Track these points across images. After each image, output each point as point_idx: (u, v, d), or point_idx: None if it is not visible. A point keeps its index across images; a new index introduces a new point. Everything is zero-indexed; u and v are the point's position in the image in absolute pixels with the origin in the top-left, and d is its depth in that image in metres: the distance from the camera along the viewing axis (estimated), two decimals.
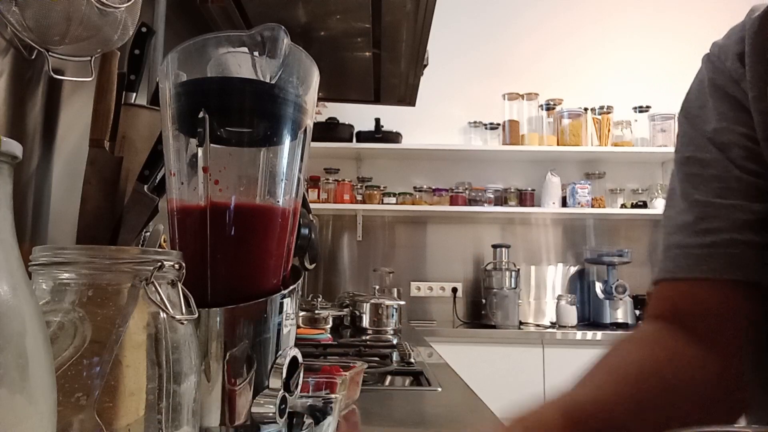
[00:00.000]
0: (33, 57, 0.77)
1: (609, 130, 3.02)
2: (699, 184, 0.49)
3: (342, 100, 2.22)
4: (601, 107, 3.05)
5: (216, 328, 0.47)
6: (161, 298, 0.36)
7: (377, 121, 3.03)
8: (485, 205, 3.02)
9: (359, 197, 3.06)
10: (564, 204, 3.02)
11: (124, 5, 0.74)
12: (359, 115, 3.00)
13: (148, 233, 0.81)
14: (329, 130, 2.98)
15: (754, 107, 0.47)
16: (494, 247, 2.98)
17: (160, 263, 0.36)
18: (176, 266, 0.38)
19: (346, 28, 1.57)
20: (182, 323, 0.37)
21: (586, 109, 3.03)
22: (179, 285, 0.38)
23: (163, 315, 0.37)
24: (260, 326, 0.49)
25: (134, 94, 0.84)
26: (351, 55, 1.74)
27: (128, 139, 0.81)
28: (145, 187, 0.73)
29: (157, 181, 0.76)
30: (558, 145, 3.01)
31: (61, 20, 0.71)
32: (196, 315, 0.38)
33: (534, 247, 3.17)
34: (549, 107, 3.07)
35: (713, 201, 0.48)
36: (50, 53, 0.74)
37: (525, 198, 3.06)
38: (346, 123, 3.04)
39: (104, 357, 0.37)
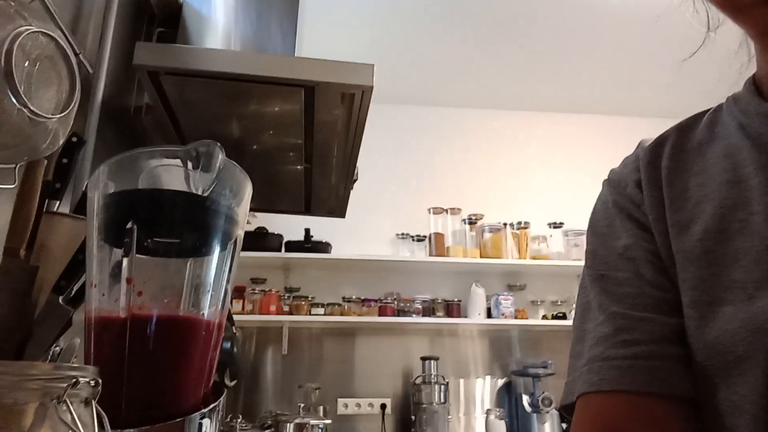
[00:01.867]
0: None
1: (527, 244, 3.19)
2: (614, 300, 0.49)
3: (273, 211, 2.24)
4: (519, 222, 3.23)
5: None
6: (73, 419, 0.34)
7: (307, 231, 3.05)
8: (413, 315, 3.03)
9: (286, 308, 3.00)
10: (489, 315, 3.08)
11: (57, 116, 0.74)
12: (289, 226, 3.03)
13: (59, 348, 0.76)
14: (258, 240, 2.97)
15: (654, 228, 0.50)
16: (423, 359, 2.95)
17: (75, 380, 0.34)
18: (92, 383, 0.36)
19: (279, 143, 1.63)
20: None
21: (505, 224, 3.20)
22: (93, 403, 0.36)
23: None
24: None
25: (58, 203, 0.82)
26: (283, 168, 1.79)
27: (46, 247, 0.78)
28: (60, 298, 0.69)
29: (73, 292, 0.73)
30: (481, 257, 3.13)
31: None
32: None
33: (462, 359, 3.17)
34: (471, 221, 3.22)
35: (631, 313, 0.48)
36: None
37: (452, 309, 3.10)
38: (276, 233, 3.05)
39: None
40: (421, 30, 2.92)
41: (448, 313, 3.09)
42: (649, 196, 0.52)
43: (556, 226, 3.28)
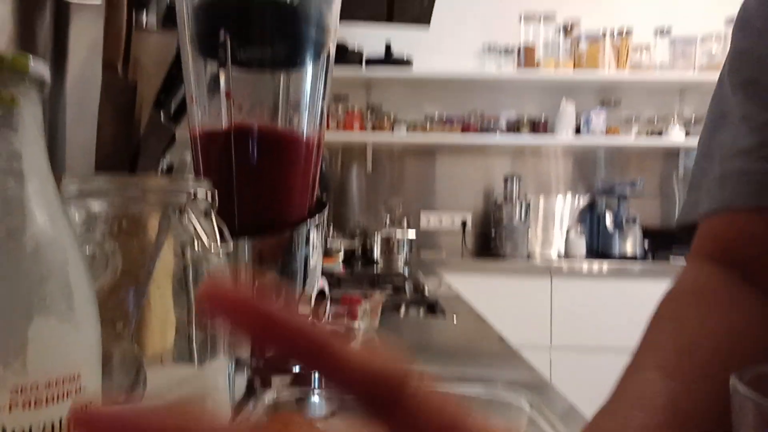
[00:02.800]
0: None
1: (627, 55, 2.92)
2: (765, 108, 0.41)
3: (352, 19, 2.11)
4: (620, 30, 2.93)
5: (244, 258, 0.47)
6: (195, 228, 0.35)
7: (388, 46, 2.93)
8: (497, 134, 2.97)
9: (368, 126, 3.01)
10: (578, 132, 2.96)
11: None
12: (368, 41, 2.91)
13: (166, 162, 0.80)
14: (337, 55, 2.89)
15: None
16: (506, 178, 2.95)
17: (193, 193, 0.35)
18: (208, 196, 0.37)
19: None
20: (218, 255, 0.36)
21: (604, 34, 2.91)
22: (213, 215, 0.37)
23: (197, 245, 0.36)
24: (287, 257, 0.49)
25: (145, 15, 0.80)
26: None
27: (140, 63, 0.78)
28: (162, 114, 0.71)
29: (173, 107, 0.74)
30: (574, 68, 2.91)
31: None
32: (231, 246, 0.37)
33: (544, 178, 3.15)
34: (566, 29, 2.95)
35: None
36: None
37: (538, 127, 3.00)
38: (355, 48, 2.95)
39: (138, 288, 0.37)
40: None
41: (535, 131, 3.00)
42: None
43: (663, 32, 2.95)
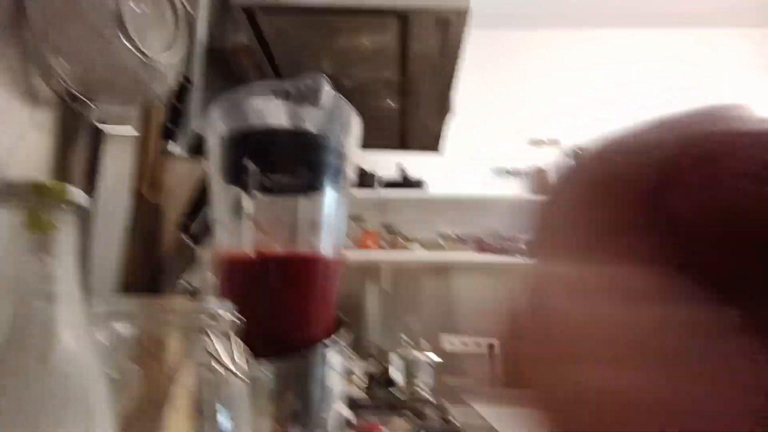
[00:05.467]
0: (79, 108, 0.79)
1: None
2: None
3: (368, 148, 2.23)
4: None
5: (263, 380, 0.46)
6: (216, 350, 0.35)
7: (402, 169, 3.04)
8: (516, 255, 2.98)
9: (384, 245, 3.04)
10: None
11: (167, 59, 0.76)
12: (380, 164, 3.03)
13: (185, 282, 0.81)
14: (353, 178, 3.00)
15: None
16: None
17: (214, 313, 0.35)
18: (230, 317, 0.37)
19: (372, 78, 1.60)
20: (238, 376, 0.36)
21: None
22: (233, 336, 0.37)
23: (217, 367, 0.36)
24: (306, 378, 0.48)
25: (174, 144, 0.85)
26: (376, 103, 1.77)
27: (167, 188, 0.82)
28: (185, 235, 0.73)
29: (196, 230, 0.76)
30: None
31: (106, 72, 0.73)
32: (251, 367, 0.37)
33: None
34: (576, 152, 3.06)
35: None
36: (95, 104, 0.76)
37: None
38: (370, 171, 3.07)
39: (158, 410, 0.36)
40: None
41: None
42: None
43: None
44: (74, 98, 0.76)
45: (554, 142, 3.10)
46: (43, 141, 0.73)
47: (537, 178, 3.04)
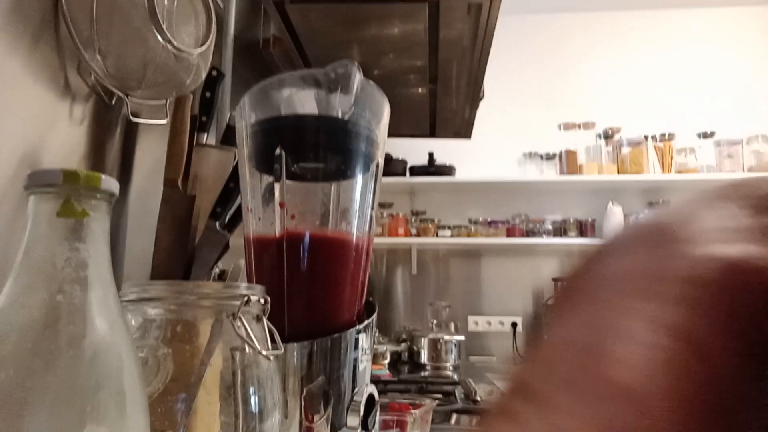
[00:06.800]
0: (113, 102, 0.81)
1: (672, 158, 2.92)
2: None
3: (397, 135, 2.23)
4: (662, 134, 2.95)
5: (293, 363, 0.47)
6: (247, 333, 0.35)
7: (430, 155, 3.03)
8: (544, 236, 2.95)
9: (413, 230, 3.05)
10: None
11: (198, 51, 0.77)
12: (411, 150, 3.02)
13: (218, 269, 0.82)
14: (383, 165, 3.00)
15: None
16: (555, 280, 2.89)
17: (246, 298, 0.36)
18: (261, 301, 0.37)
19: (402, 66, 1.59)
20: (268, 359, 0.36)
21: (646, 137, 2.94)
22: (264, 320, 0.38)
23: (247, 350, 0.37)
24: (337, 362, 0.48)
25: (205, 135, 0.87)
26: (406, 91, 1.76)
27: (200, 178, 0.83)
28: (217, 224, 0.74)
29: (227, 218, 0.77)
30: (618, 173, 2.92)
31: (140, 66, 0.75)
32: (282, 350, 0.37)
33: None
34: (607, 136, 3.00)
35: None
36: (129, 97, 0.77)
37: (585, 229, 2.97)
38: (399, 158, 3.06)
39: (189, 393, 0.37)
40: None
41: (582, 233, 2.97)
42: None
43: (707, 135, 2.95)
44: (109, 92, 0.78)
45: (585, 126, 3.04)
46: (78, 133, 0.75)
47: (567, 161, 2.99)
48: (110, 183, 0.30)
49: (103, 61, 0.73)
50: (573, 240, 2.97)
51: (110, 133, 0.84)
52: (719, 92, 3.06)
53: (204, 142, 0.86)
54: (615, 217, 2.91)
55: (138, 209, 0.90)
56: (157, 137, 0.92)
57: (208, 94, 0.87)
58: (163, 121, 0.81)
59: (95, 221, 0.29)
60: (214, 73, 0.87)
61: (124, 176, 0.88)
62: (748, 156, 2.84)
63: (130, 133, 0.89)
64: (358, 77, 0.53)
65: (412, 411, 0.72)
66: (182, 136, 0.83)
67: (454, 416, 1.08)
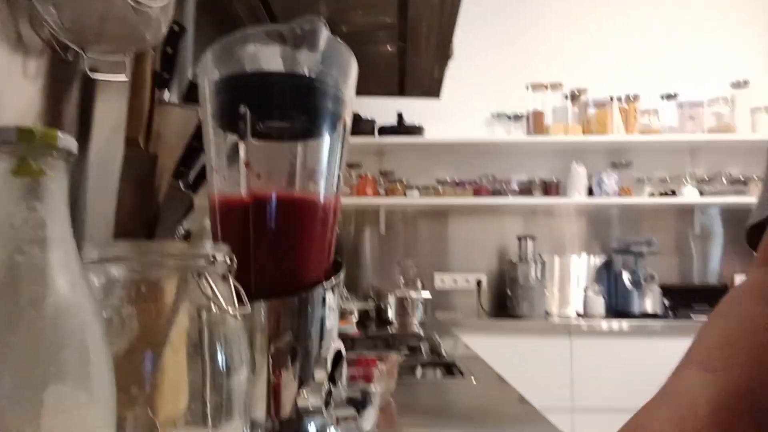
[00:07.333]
0: (69, 57, 0.77)
1: (636, 119, 2.97)
2: None
3: (365, 94, 2.20)
4: (627, 96, 2.99)
5: (261, 321, 0.47)
6: (213, 292, 0.36)
7: (399, 115, 3.01)
8: (509, 196, 2.99)
9: (381, 191, 3.05)
10: (590, 194, 2.98)
11: (159, 4, 0.74)
12: (380, 109, 2.99)
13: (183, 229, 0.82)
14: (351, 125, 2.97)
15: None
16: (519, 238, 2.95)
17: (212, 257, 0.36)
18: (227, 260, 0.38)
19: (370, 23, 1.56)
20: (236, 317, 0.37)
21: (611, 98, 2.98)
22: (230, 279, 0.38)
23: (213, 309, 0.37)
24: (304, 319, 0.49)
25: (167, 92, 0.84)
26: (375, 48, 1.73)
27: (162, 136, 0.82)
28: (181, 183, 0.73)
29: (192, 177, 0.76)
30: (583, 134, 2.96)
31: (97, 20, 0.72)
32: (249, 309, 0.38)
33: (559, 237, 3.14)
34: (574, 96, 3.02)
35: None
36: (86, 53, 0.74)
37: (550, 189, 3.02)
38: (368, 117, 3.04)
39: (155, 352, 0.37)
40: None
41: (546, 193, 3.02)
42: None
43: (670, 97, 3.01)
44: (64, 46, 0.75)
45: (554, 86, 3.05)
46: (33, 90, 0.72)
47: (534, 122, 3.02)
48: (67, 141, 0.29)
49: (57, 14, 0.70)
50: (538, 200, 3.03)
51: (67, 90, 0.81)
52: (683, 55, 3.11)
53: (166, 99, 0.84)
54: (579, 177, 2.97)
55: (99, 168, 0.87)
56: (117, 95, 0.89)
57: (169, 50, 0.84)
58: (123, 77, 0.79)
59: (53, 180, 0.29)
60: (176, 27, 0.84)
61: (83, 134, 0.85)
62: (709, 117, 2.91)
63: (89, 90, 0.86)
64: (324, 34, 0.52)
65: (379, 365, 0.73)
66: (143, 93, 0.80)
67: (420, 369, 1.12)
